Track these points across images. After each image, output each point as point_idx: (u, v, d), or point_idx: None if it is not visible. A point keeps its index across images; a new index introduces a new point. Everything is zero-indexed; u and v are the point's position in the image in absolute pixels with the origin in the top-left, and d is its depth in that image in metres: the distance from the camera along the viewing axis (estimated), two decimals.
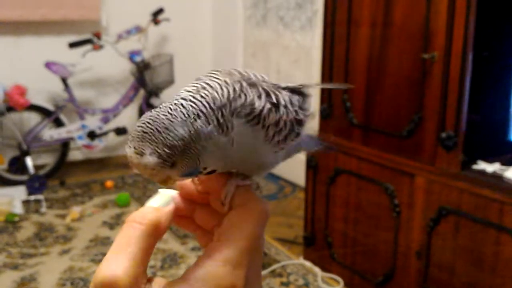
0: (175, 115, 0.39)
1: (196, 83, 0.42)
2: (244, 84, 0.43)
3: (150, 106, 3.83)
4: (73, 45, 3.53)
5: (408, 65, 1.92)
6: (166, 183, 0.42)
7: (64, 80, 3.63)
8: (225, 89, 0.42)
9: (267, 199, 3.42)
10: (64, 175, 3.75)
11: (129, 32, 3.74)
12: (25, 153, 3.49)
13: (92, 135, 3.68)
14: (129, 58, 3.75)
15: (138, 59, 3.74)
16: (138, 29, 3.76)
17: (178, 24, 4.12)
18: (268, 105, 0.43)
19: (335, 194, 2.30)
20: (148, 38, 3.89)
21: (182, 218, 0.47)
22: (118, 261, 0.38)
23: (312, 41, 3.44)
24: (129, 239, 0.39)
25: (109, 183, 3.57)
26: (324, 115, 2.32)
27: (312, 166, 2.38)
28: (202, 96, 0.41)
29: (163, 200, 0.43)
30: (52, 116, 3.59)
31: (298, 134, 0.47)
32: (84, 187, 3.57)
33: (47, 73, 3.56)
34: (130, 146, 0.39)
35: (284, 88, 0.47)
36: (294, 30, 3.59)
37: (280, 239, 2.78)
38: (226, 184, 0.44)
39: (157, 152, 0.39)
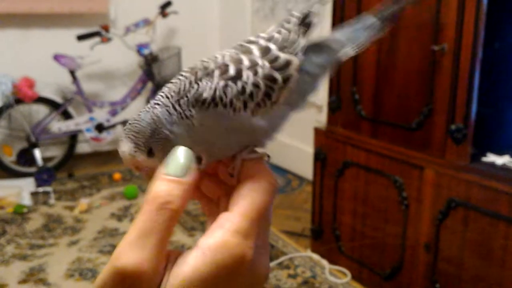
0: (143, 110, 0.45)
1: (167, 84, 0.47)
2: (200, 73, 0.44)
3: None
4: (81, 37, 3.53)
5: (417, 57, 1.91)
6: (152, 178, 0.43)
7: (72, 73, 3.64)
8: (181, 83, 0.44)
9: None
10: (72, 167, 3.76)
11: (137, 25, 3.74)
12: (34, 145, 3.51)
13: (100, 127, 3.69)
14: (137, 51, 3.76)
15: (146, 52, 3.75)
16: (146, 22, 3.76)
17: (186, 17, 4.12)
18: (221, 83, 0.43)
19: (343, 187, 2.29)
20: (156, 31, 3.89)
21: None
22: (143, 249, 0.38)
23: (320, 33, 3.43)
24: (155, 224, 0.39)
25: (117, 176, 3.59)
26: (333, 108, 2.31)
27: (320, 159, 2.38)
28: (162, 91, 0.45)
29: (187, 158, 0.42)
30: (60, 109, 3.60)
31: (287, 79, 0.45)
32: (92, 179, 3.59)
33: (56, 65, 3.57)
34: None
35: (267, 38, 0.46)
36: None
37: (288, 232, 2.78)
38: (235, 157, 0.45)
39: (129, 138, 0.44)
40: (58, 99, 3.63)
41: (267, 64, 0.44)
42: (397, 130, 2.03)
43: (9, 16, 3.71)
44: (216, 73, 0.44)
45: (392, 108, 2.05)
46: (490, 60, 1.75)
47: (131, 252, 0.38)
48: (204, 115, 0.43)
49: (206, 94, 0.43)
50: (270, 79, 0.44)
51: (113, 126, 3.74)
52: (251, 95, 0.43)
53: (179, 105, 0.43)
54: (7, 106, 3.43)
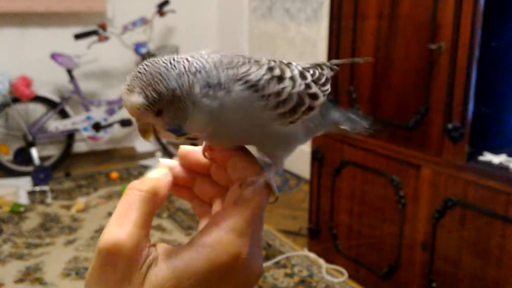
0: (174, 66, 0.41)
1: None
2: (248, 58, 0.45)
3: None
4: (78, 36, 3.53)
5: (415, 56, 1.91)
6: (146, 132, 0.43)
7: (69, 72, 3.63)
8: (230, 57, 0.44)
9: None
10: (69, 167, 3.76)
11: (134, 24, 3.74)
12: (31, 144, 3.50)
13: (97, 126, 3.68)
14: (135, 49, 3.75)
15: (143, 50, 3.74)
16: (144, 21, 3.75)
17: (184, 16, 4.12)
18: (267, 76, 0.44)
19: (340, 186, 2.29)
20: (154, 30, 3.89)
21: (180, 188, 0.48)
22: (120, 226, 0.39)
23: (317, 33, 3.43)
24: (129, 205, 0.40)
25: (114, 175, 3.58)
26: None
27: (317, 158, 2.38)
28: (208, 57, 0.43)
29: (161, 172, 0.44)
30: (57, 108, 3.59)
31: (311, 108, 0.47)
32: (89, 179, 3.58)
33: (53, 64, 3.56)
34: (125, 83, 0.42)
35: (304, 67, 0.49)
36: (300, 22, 3.58)
37: (285, 231, 2.78)
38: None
39: (145, 93, 0.40)
40: (55, 98, 3.63)
41: (303, 85, 0.47)
42: (394, 129, 2.03)
43: (7, 15, 3.70)
44: (265, 67, 0.45)
45: (389, 107, 2.05)
46: (487, 59, 1.75)
47: (110, 232, 0.39)
48: (238, 96, 0.42)
49: (253, 76, 0.43)
50: (300, 98, 0.46)
51: (110, 125, 3.73)
52: (284, 101, 0.45)
53: (226, 74, 0.42)
54: (4, 105, 3.42)
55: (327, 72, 0.52)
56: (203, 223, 0.47)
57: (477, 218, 1.74)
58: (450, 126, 1.80)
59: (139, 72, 0.41)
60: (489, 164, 1.76)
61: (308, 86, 0.47)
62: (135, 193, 0.41)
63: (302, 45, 3.59)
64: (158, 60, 0.41)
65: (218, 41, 4.46)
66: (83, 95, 3.74)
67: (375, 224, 2.15)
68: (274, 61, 0.47)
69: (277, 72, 0.45)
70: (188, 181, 0.48)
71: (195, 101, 0.41)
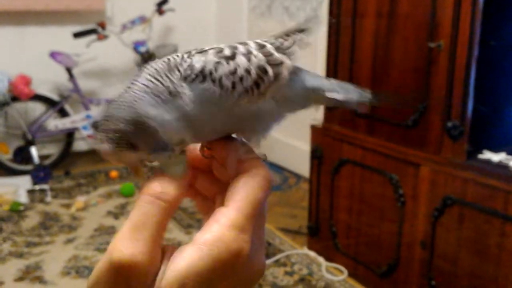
0: (121, 101, 0.41)
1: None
2: (193, 52, 0.43)
3: None
4: (77, 35, 3.53)
5: (414, 54, 1.91)
6: (138, 171, 0.43)
7: (68, 70, 3.63)
8: (172, 60, 0.43)
9: (272, 190, 3.40)
10: (69, 165, 3.76)
11: (133, 22, 3.73)
12: (30, 143, 3.50)
13: (96, 125, 3.68)
14: (134, 48, 3.75)
15: (142, 49, 3.74)
16: (143, 19, 3.75)
17: (183, 15, 4.11)
18: (214, 59, 0.42)
19: (340, 185, 2.29)
20: (153, 29, 3.88)
21: None
22: (136, 242, 0.38)
23: (317, 31, 3.43)
24: (147, 217, 0.39)
25: (113, 173, 3.58)
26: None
27: (317, 156, 2.38)
28: (146, 74, 0.42)
29: (181, 168, 0.43)
30: (57, 106, 3.59)
31: (277, 77, 0.44)
32: (89, 177, 3.58)
33: (52, 63, 3.56)
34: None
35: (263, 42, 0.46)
36: (299, 20, 3.58)
37: (284, 229, 2.78)
38: (229, 155, 0.44)
39: (109, 138, 0.40)
40: (54, 96, 3.63)
41: (261, 55, 0.44)
42: (393, 127, 2.03)
43: (5, 14, 3.70)
44: (211, 51, 0.43)
45: (388, 105, 2.05)
46: (486, 57, 1.75)
47: (125, 245, 0.38)
48: (194, 91, 0.41)
49: (198, 65, 0.41)
50: (261, 69, 0.44)
51: None
52: (241, 78, 0.43)
53: (170, 80, 0.41)
54: (3, 104, 3.42)
55: (295, 37, 0.48)
56: (207, 220, 0.47)
57: (476, 216, 1.74)
58: (449, 124, 1.80)
59: (101, 123, 0.42)
60: (488, 162, 1.76)
61: (269, 54, 0.45)
62: (156, 203, 0.40)
63: None
64: (110, 103, 0.42)
65: (217, 39, 4.46)
66: (82, 94, 3.74)
67: (374, 222, 2.15)
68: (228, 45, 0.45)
69: (226, 52, 0.43)
70: (191, 178, 0.47)
71: (154, 117, 0.41)
